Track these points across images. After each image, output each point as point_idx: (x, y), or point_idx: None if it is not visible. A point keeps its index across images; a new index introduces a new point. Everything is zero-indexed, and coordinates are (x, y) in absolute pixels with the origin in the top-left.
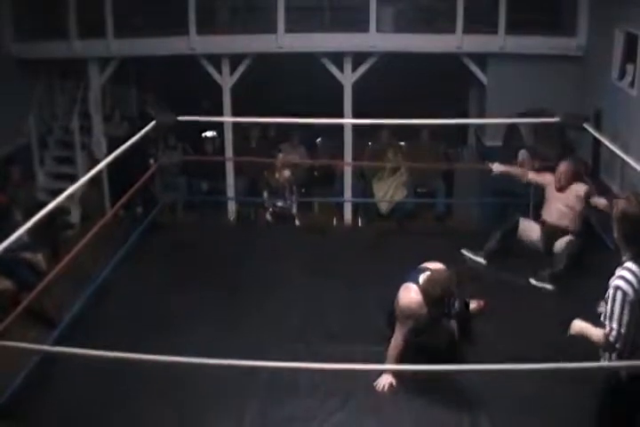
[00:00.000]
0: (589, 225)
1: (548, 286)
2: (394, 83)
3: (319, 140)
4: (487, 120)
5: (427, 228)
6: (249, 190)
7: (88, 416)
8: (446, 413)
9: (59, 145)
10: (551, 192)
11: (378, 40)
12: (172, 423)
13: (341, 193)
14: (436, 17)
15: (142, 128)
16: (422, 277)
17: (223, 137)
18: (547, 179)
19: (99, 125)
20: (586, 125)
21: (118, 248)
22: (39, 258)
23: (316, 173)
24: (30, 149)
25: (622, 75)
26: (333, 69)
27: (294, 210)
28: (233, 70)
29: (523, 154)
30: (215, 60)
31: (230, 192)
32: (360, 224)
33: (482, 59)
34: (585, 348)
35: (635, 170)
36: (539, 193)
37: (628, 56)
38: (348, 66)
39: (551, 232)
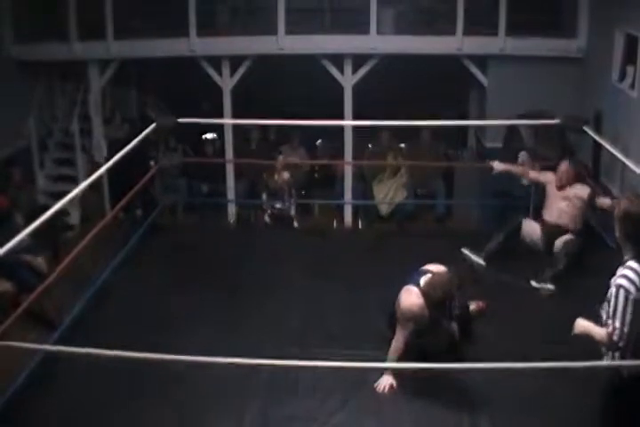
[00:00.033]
0: (589, 225)
1: (550, 286)
2: (394, 85)
3: (319, 142)
4: (487, 122)
5: (427, 229)
6: (249, 193)
7: (88, 417)
8: (446, 413)
9: (59, 147)
10: (552, 191)
11: (378, 42)
12: (173, 424)
13: (342, 195)
14: (436, 19)
15: (143, 130)
16: (423, 280)
17: (223, 139)
18: (548, 177)
19: (99, 128)
20: (586, 128)
21: (118, 250)
22: (39, 260)
23: (316, 176)
24: (30, 152)
25: (622, 76)
26: (334, 71)
27: (292, 212)
28: (233, 72)
29: (523, 155)
30: (215, 61)
31: (230, 194)
32: (360, 226)
33: (482, 60)
34: (585, 348)
35: (635, 172)
36: (539, 194)
37: (629, 58)
38: (348, 68)
39: (551, 232)
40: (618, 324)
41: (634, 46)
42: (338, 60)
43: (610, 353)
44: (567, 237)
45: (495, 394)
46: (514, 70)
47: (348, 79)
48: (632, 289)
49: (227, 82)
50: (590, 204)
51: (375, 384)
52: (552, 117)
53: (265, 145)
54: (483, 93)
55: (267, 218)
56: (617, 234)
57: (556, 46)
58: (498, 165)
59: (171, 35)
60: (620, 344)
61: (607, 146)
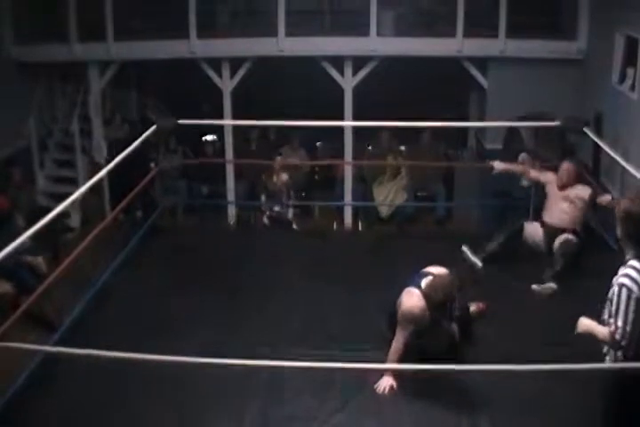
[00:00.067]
0: (590, 226)
1: (552, 284)
2: (394, 87)
3: (319, 143)
4: (487, 123)
5: (427, 231)
6: (249, 194)
7: (88, 418)
8: (446, 414)
9: (59, 148)
10: (552, 191)
11: (378, 44)
12: (173, 424)
13: (342, 197)
14: (436, 21)
15: (143, 132)
16: (425, 282)
17: (223, 141)
18: (548, 177)
19: (99, 129)
20: (586, 130)
21: (118, 252)
22: (39, 261)
23: (316, 177)
24: (30, 152)
25: (623, 78)
26: (334, 73)
27: (290, 214)
28: (233, 74)
29: (523, 157)
30: (215, 63)
31: (230, 196)
32: (360, 228)
33: (482, 62)
34: (586, 349)
35: (636, 170)
36: (539, 195)
37: (629, 60)
38: (348, 70)
39: (552, 233)
40: (620, 322)
41: (634, 48)
42: (338, 61)
43: (612, 352)
44: (564, 236)
45: (495, 395)
46: (514, 72)
47: (348, 81)
48: (634, 288)
49: (227, 84)
50: (592, 204)
51: (375, 385)
52: (552, 119)
53: (265, 145)
54: (483, 95)
55: (265, 220)
56: (618, 234)
57: (557, 48)
58: (498, 165)
59: (171, 36)
60: (623, 343)
61: (607, 149)
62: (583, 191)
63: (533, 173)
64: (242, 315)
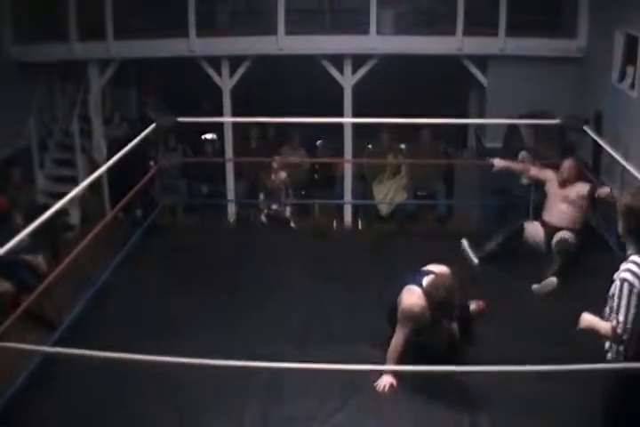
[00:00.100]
0: (590, 226)
1: (553, 279)
2: (394, 85)
3: (319, 142)
4: (487, 120)
5: (427, 230)
6: (249, 193)
7: (88, 418)
8: (446, 413)
9: (59, 147)
10: (552, 190)
11: (378, 42)
12: (172, 424)
13: (342, 196)
14: (436, 19)
15: (142, 130)
16: (426, 281)
17: (223, 139)
18: (548, 175)
19: (99, 128)
20: (586, 128)
21: (118, 251)
22: (39, 260)
23: (316, 176)
24: (30, 152)
25: (622, 77)
26: (333, 71)
27: (287, 213)
28: (233, 72)
29: (523, 155)
30: (215, 62)
31: (230, 195)
32: (360, 226)
33: (482, 61)
34: (586, 349)
35: (635, 169)
36: (539, 193)
37: (629, 58)
38: (348, 68)
39: (552, 232)
40: (622, 317)
41: (634, 46)
42: (337, 60)
43: (614, 349)
44: (561, 234)
45: (495, 394)
46: (514, 70)
47: (347, 79)
48: (636, 283)
49: (226, 82)
50: (591, 199)
51: (375, 384)
52: (552, 117)
53: (265, 143)
54: (483, 94)
55: (264, 218)
56: (620, 229)
57: (557, 46)
58: (498, 162)
59: (170, 35)
60: (625, 338)
61: (607, 147)
62: (583, 188)
63: (533, 171)
64: (242, 314)
